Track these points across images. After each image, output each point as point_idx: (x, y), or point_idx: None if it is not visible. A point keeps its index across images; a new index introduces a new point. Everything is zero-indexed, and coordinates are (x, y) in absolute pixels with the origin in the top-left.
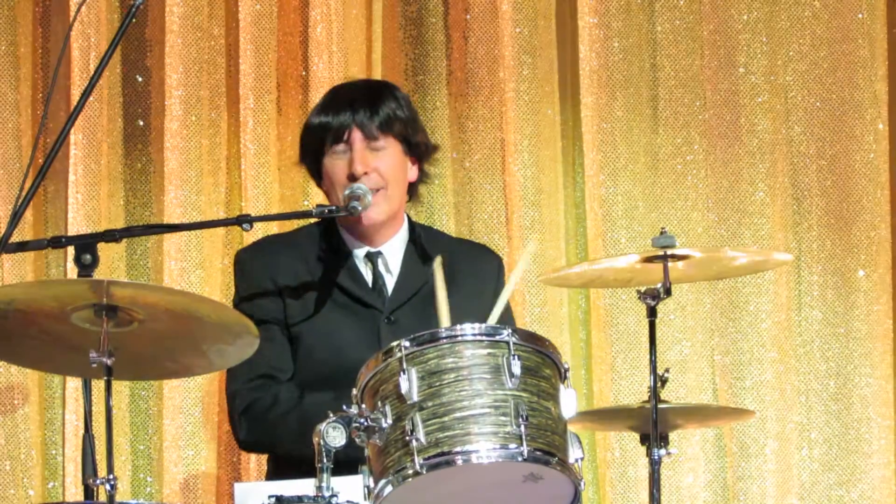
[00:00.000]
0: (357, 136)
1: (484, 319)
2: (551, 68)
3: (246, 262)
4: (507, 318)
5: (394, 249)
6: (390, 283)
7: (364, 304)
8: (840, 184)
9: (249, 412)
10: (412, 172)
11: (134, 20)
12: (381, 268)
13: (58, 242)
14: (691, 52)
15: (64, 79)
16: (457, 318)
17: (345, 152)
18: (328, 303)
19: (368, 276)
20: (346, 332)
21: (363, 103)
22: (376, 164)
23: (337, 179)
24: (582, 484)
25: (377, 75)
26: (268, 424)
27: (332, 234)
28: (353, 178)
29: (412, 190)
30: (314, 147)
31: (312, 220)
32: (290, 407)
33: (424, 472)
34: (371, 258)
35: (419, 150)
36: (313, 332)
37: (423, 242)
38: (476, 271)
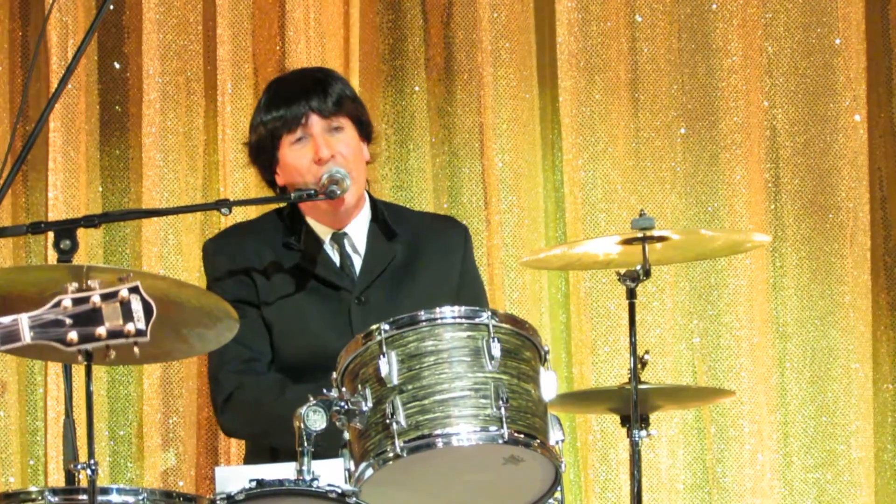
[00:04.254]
0: (315, 119)
1: (453, 291)
2: (529, 52)
3: (213, 251)
4: (476, 292)
5: (358, 229)
6: (357, 263)
7: (334, 287)
8: (817, 166)
9: (233, 400)
10: (366, 152)
11: (111, 7)
12: (348, 248)
13: (37, 228)
14: (669, 36)
15: (43, 66)
16: (426, 290)
17: (305, 140)
18: (298, 287)
19: (336, 258)
20: (317, 316)
21: (313, 88)
22: (338, 147)
23: (302, 167)
24: (562, 466)
25: (355, 60)
26: (251, 414)
27: (296, 219)
28: (320, 162)
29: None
30: (269, 142)
31: (274, 207)
32: (272, 398)
33: (405, 455)
34: (337, 240)
35: (368, 129)
36: (285, 317)
37: (386, 219)
38: (442, 243)
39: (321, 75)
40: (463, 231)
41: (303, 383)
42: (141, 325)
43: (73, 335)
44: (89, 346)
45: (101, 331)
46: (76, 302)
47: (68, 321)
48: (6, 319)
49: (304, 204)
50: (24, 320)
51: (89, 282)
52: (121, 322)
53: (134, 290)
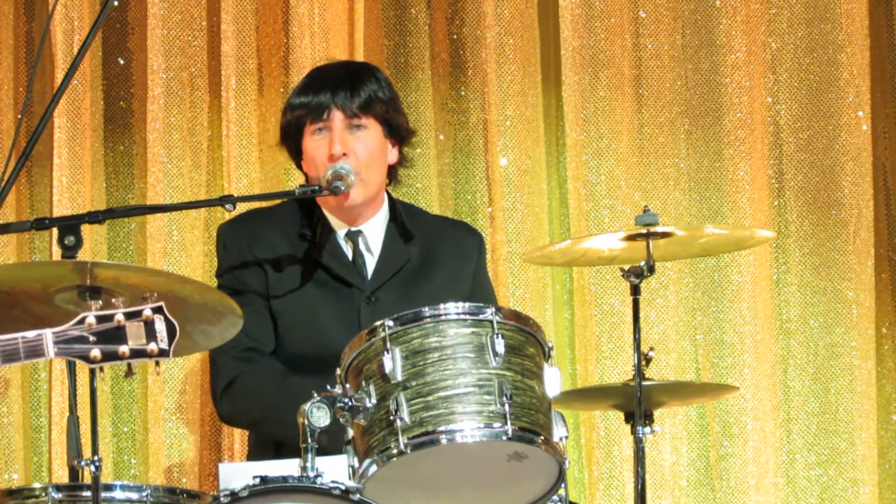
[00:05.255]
0: (337, 115)
1: (464, 297)
2: (534, 49)
3: (227, 235)
4: (486, 295)
5: (374, 229)
6: (370, 262)
7: (345, 283)
8: (821, 162)
9: (232, 387)
10: (392, 155)
11: (115, 3)
12: (362, 247)
13: (41, 224)
14: (673, 32)
15: (48, 62)
16: (437, 295)
17: (325, 132)
18: (309, 280)
19: (349, 255)
20: (326, 311)
21: (344, 84)
22: (355, 145)
23: (318, 160)
24: (566, 462)
25: (359, 56)
26: (250, 401)
27: (314, 212)
28: (331, 158)
29: (392, 173)
30: (294, 127)
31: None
32: (274, 386)
33: (409, 451)
34: (352, 237)
35: (399, 132)
36: (293, 308)
37: (404, 221)
38: (456, 249)
39: (358, 72)
40: (478, 239)
41: (305, 376)
42: (164, 344)
43: (96, 352)
44: (112, 364)
45: (125, 349)
46: (100, 319)
47: (92, 338)
48: (31, 334)
49: (318, 197)
50: (48, 336)
51: (114, 300)
52: (144, 341)
53: (158, 310)
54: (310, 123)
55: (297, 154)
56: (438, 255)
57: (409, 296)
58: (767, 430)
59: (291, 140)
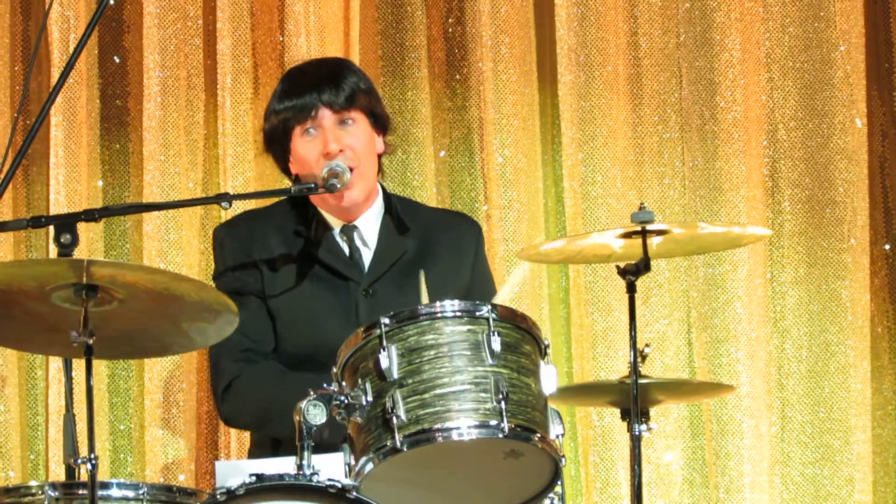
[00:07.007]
0: (325, 113)
1: (462, 289)
2: (529, 47)
3: (223, 237)
4: (487, 291)
5: (369, 222)
6: (367, 256)
7: (342, 277)
8: (816, 160)
9: (233, 387)
10: (379, 144)
11: (112, 2)
12: (358, 241)
13: (38, 222)
14: (668, 31)
15: (44, 60)
16: (435, 287)
17: (315, 132)
18: (306, 276)
19: (346, 250)
20: (324, 306)
21: (326, 81)
22: (348, 140)
23: (311, 159)
24: (562, 460)
25: (354, 54)
26: (251, 402)
27: (308, 209)
28: (328, 156)
29: (378, 162)
30: (281, 132)
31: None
32: (272, 386)
33: (405, 449)
34: (347, 232)
35: (383, 121)
36: (291, 305)
37: (399, 214)
38: (454, 240)
39: (337, 67)
40: (476, 230)
41: (304, 373)
42: None
43: None
44: None
45: None
46: None
47: None
48: None
49: (313, 195)
50: None
51: None
52: None
53: None
54: (298, 125)
55: (283, 158)
56: (436, 246)
57: (406, 288)
58: (762, 428)
59: (278, 145)
